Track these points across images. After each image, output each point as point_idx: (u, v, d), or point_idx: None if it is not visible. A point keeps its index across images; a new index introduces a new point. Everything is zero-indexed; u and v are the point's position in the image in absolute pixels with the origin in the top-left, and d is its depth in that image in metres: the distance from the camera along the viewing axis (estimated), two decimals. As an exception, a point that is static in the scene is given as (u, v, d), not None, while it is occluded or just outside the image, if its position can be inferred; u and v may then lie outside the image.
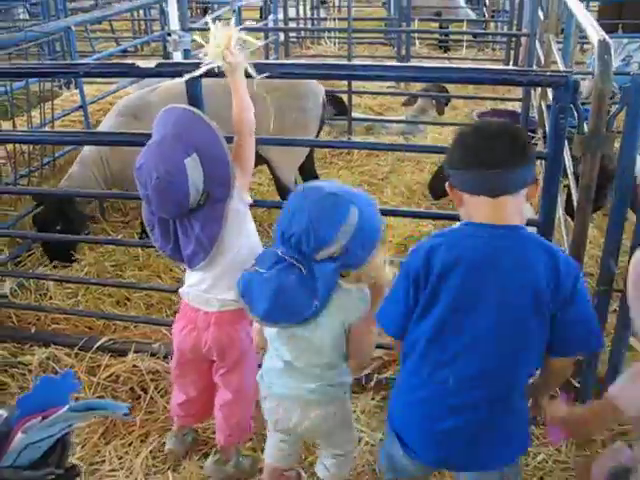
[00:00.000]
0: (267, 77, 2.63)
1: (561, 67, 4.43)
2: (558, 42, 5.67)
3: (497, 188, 1.91)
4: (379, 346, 3.38)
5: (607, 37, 2.62)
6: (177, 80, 2.96)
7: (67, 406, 1.20)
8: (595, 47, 2.62)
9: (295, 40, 11.87)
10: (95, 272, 4.58)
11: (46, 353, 3.66)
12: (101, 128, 4.76)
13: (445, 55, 11.12)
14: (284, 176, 4.63)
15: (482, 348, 1.96)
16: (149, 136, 2.48)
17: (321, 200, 2.12)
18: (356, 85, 8.38)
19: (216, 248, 2.49)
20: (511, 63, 8.70)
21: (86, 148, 4.67)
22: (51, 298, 4.24)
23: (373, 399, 3.29)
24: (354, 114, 7.08)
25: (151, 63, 2.84)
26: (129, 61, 3.03)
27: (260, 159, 4.60)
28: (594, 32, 2.82)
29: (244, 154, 2.58)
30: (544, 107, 5.35)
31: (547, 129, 2.64)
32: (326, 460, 2.61)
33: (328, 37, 11.56)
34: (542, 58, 5.87)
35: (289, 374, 2.35)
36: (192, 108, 2.50)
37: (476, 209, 1.97)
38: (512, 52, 8.74)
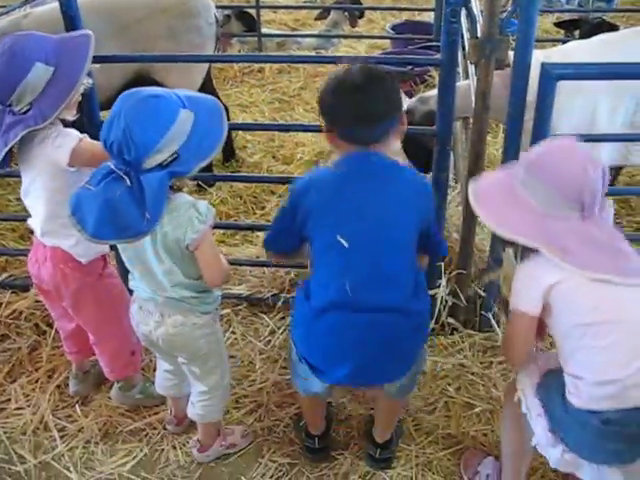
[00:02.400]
0: None
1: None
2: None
3: (368, 139, 2.08)
4: (283, 266, 3.38)
5: None
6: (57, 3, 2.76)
7: None
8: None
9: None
10: (-4, 207, 4.39)
11: (-58, 295, 3.51)
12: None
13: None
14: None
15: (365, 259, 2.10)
16: None
17: (139, 103, 1.97)
18: (268, 0, 8.12)
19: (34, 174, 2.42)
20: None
21: None
22: (-52, 237, 4.04)
23: (283, 318, 3.30)
24: (266, 30, 6.85)
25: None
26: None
27: (155, 84, 4.37)
28: None
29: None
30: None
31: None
32: (194, 397, 2.56)
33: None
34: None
35: (147, 279, 2.26)
36: (92, 37, 2.40)
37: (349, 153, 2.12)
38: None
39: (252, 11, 6.76)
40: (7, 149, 2.31)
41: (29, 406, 2.94)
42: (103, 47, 3.58)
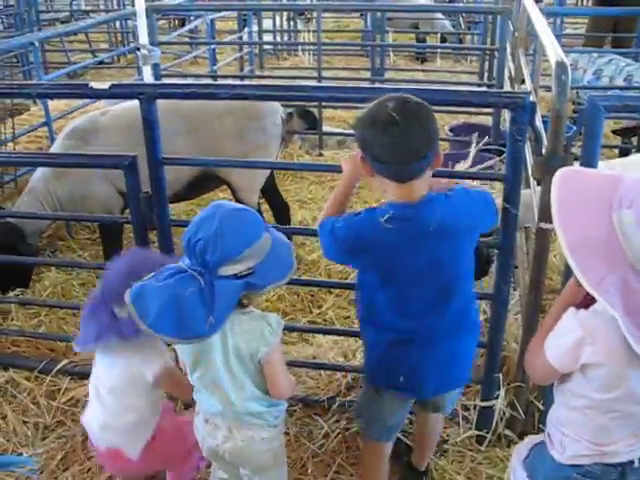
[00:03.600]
0: None
1: (528, 84, 4.42)
2: (528, 55, 5.66)
3: (405, 177, 2.14)
4: (340, 369, 3.37)
5: (564, 57, 2.59)
6: (133, 102, 2.91)
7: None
8: (553, 67, 2.60)
9: (271, 52, 11.85)
10: (61, 292, 4.50)
11: (5, 377, 3.59)
12: (51, 151, 4.59)
13: (421, 67, 11.08)
14: (247, 199, 4.45)
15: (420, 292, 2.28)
16: (103, 157, 2.46)
17: (234, 211, 2.08)
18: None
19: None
20: (485, 76, 8.68)
21: (34, 179, 4.46)
22: (13, 319, 4.14)
23: (338, 422, 3.25)
24: (327, 127, 7.05)
25: (105, 84, 2.79)
26: (84, 81, 2.97)
27: (219, 181, 4.55)
28: (552, 51, 2.79)
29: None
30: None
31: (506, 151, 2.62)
32: None
33: (303, 49, 11.55)
34: (513, 73, 5.86)
35: (218, 395, 2.26)
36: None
37: (387, 187, 2.20)
38: (487, 64, 8.71)
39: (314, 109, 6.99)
40: (93, 346, 2.40)
41: (79, 497, 2.95)
42: (177, 144, 3.74)
